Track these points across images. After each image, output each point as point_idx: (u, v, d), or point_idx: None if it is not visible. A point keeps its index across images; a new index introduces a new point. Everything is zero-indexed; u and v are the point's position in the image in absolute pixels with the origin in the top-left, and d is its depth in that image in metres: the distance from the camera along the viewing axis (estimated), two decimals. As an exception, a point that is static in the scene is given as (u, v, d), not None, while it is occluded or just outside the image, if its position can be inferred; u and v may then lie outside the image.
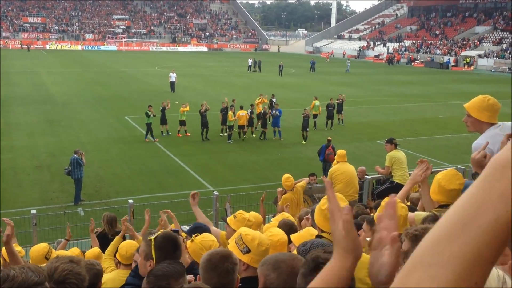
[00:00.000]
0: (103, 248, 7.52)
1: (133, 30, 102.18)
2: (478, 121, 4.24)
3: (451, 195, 4.26)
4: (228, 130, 23.87)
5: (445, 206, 4.28)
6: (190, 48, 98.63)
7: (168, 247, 3.55)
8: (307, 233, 4.38)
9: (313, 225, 5.05)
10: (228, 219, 5.28)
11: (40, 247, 6.37)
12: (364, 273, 3.66)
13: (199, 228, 5.09)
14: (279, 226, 5.26)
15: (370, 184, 11.57)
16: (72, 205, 15.19)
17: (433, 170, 5.33)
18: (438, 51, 79.22)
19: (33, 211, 11.21)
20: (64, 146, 21.76)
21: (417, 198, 5.80)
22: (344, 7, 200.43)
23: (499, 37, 76.68)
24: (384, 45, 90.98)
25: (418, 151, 21.93)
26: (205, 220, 5.99)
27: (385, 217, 1.40)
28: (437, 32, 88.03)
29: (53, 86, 40.93)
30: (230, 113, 23.61)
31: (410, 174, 11.02)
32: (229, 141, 23.61)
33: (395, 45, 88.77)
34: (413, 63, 77.71)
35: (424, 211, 4.59)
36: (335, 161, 11.72)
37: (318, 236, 3.90)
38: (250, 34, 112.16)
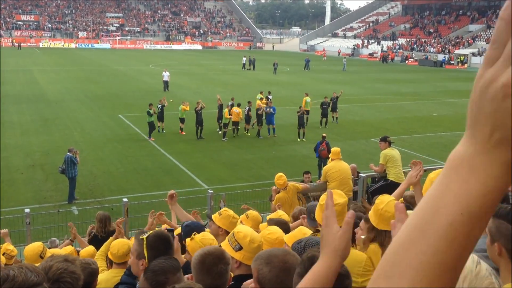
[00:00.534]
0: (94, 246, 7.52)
1: (127, 28, 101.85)
2: None
3: None
4: (223, 128, 23.88)
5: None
6: (184, 46, 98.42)
7: (160, 246, 3.53)
8: (299, 233, 4.39)
9: (309, 223, 5.06)
10: (213, 216, 5.29)
11: (35, 246, 6.36)
12: (356, 271, 3.68)
13: (189, 226, 5.10)
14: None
15: (365, 182, 11.59)
16: (66, 204, 15.14)
17: (426, 168, 5.35)
18: (432, 49, 79.47)
19: (27, 210, 11.14)
20: (58, 144, 21.67)
21: (411, 196, 5.83)
22: (338, 5, 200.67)
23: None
24: (378, 43, 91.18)
25: (412, 149, 22.00)
26: (186, 217, 5.99)
27: (398, 222, 1.40)
28: (431, 30, 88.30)
29: (46, 85, 40.75)
30: (225, 110, 23.63)
31: (404, 172, 11.09)
32: (223, 139, 23.62)
33: (389, 43, 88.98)
34: (407, 61, 77.92)
35: None
36: (330, 159, 11.72)
37: (317, 231, 3.92)
38: (244, 32, 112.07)
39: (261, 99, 26.97)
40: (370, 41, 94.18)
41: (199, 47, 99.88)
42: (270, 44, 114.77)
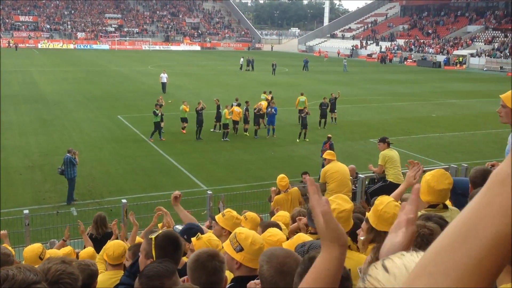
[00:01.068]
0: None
1: (125, 29, 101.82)
2: None
3: (441, 195, 4.29)
4: (224, 128, 23.92)
5: (434, 206, 4.32)
6: (183, 47, 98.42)
7: (168, 246, 3.55)
8: (297, 241, 4.39)
9: (310, 224, 5.06)
10: (216, 216, 5.29)
11: (34, 247, 6.35)
12: (357, 273, 3.68)
13: (192, 229, 5.09)
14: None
15: (363, 183, 11.60)
16: (65, 205, 15.12)
17: (425, 169, 5.36)
18: (430, 50, 79.57)
19: (26, 211, 11.15)
20: (57, 145, 21.67)
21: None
22: (336, 6, 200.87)
23: (491, 36, 77.13)
24: (377, 44, 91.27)
25: (411, 150, 22.02)
26: (188, 217, 5.99)
27: (407, 203, 1.49)
28: (429, 31, 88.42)
29: (45, 85, 40.72)
30: (225, 111, 23.70)
31: (403, 173, 11.10)
32: (226, 139, 23.71)
33: (388, 44, 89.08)
34: (405, 62, 78.01)
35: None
36: (326, 160, 11.71)
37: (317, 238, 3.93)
38: (243, 33, 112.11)
39: (265, 99, 27.15)
40: (369, 42, 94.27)
41: (197, 48, 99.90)
42: (268, 45, 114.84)
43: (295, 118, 29.02)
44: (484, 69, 68.48)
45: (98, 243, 8.18)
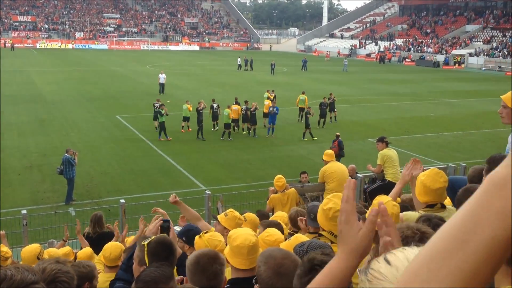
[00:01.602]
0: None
1: (124, 29, 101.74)
2: None
3: (438, 194, 4.29)
4: (226, 128, 23.98)
5: (432, 206, 4.31)
6: (181, 47, 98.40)
7: (162, 252, 3.50)
8: (296, 241, 4.39)
9: (309, 223, 5.05)
10: (219, 216, 5.28)
11: (32, 248, 6.35)
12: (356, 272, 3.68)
13: (191, 231, 5.08)
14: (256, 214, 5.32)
15: (362, 183, 11.60)
16: (63, 205, 15.10)
17: (425, 168, 5.34)
18: (429, 49, 79.62)
19: (24, 212, 11.12)
20: (55, 145, 21.64)
21: (410, 199, 5.85)
22: (335, 6, 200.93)
23: (489, 36, 77.21)
24: (376, 44, 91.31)
25: (409, 149, 22.02)
26: (192, 214, 5.96)
27: (382, 224, 1.43)
28: (428, 31, 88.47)
29: (43, 85, 40.68)
30: (228, 111, 23.83)
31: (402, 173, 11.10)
32: (230, 138, 23.79)
33: (386, 43, 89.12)
34: (404, 62, 78.04)
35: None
36: (324, 161, 11.70)
37: (319, 234, 3.92)
38: (241, 32, 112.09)
39: (268, 98, 27.38)
40: (367, 42, 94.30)
41: (196, 47, 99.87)
42: (267, 44, 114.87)
43: (293, 118, 29.04)
44: (483, 68, 68.53)
45: (94, 242, 8.17)
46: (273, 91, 29.62)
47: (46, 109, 30.49)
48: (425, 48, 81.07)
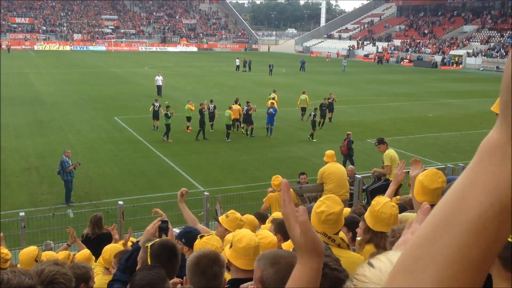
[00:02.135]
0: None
1: (122, 30, 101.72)
2: None
3: (436, 194, 4.29)
4: (227, 129, 24.03)
5: (431, 207, 4.31)
6: (179, 48, 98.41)
7: (163, 255, 3.50)
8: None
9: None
10: (220, 218, 5.27)
11: (30, 250, 6.34)
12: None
13: (190, 233, 5.07)
14: (254, 215, 5.30)
15: (361, 183, 11.59)
16: (61, 207, 15.07)
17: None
18: (427, 50, 79.71)
19: (22, 214, 11.09)
20: (53, 147, 21.60)
21: (409, 199, 5.86)
22: (333, 7, 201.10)
23: (487, 36, 77.33)
24: (374, 45, 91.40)
25: (408, 150, 22.04)
26: (191, 217, 5.97)
27: (415, 221, 1.41)
28: (426, 31, 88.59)
29: (41, 87, 40.63)
30: (230, 112, 23.94)
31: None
32: (228, 139, 23.82)
33: (384, 44, 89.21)
34: (402, 62, 78.12)
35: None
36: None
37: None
38: (240, 34, 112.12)
39: (273, 98, 27.77)
40: (365, 42, 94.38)
41: (194, 49, 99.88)
42: (265, 45, 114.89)
43: (292, 119, 29.08)
44: (481, 69, 68.63)
45: (92, 243, 8.15)
46: (275, 91, 29.89)
47: (44, 110, 30.45)
48: (423, 48, 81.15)
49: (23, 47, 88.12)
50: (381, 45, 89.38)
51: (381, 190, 9.12)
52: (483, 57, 71.29)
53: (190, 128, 25.02)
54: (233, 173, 19.09)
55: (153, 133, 24.92)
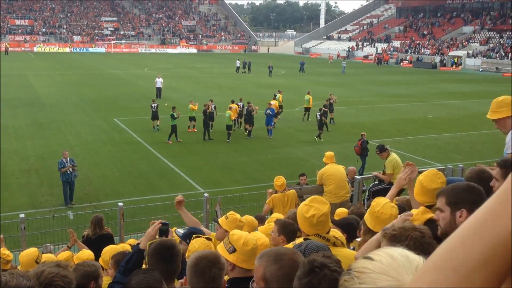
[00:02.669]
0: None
1: (121, 32, 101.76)
2: (502, 120, 4.66)
3: (434, 194, 4.29)
4: (228, 129, 24.09)
5: (430, 207, 4.31)
6: (179, 50, 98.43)
7: (159, 255, 3.53)
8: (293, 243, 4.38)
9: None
10: (219, 220, 5.26)
11: (30, 252, 6.34)
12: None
13: (194, 234, 5.07)
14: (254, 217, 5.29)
15: (360, 184, 11.59)
16: (61, 209, 15.08)
17: (421, 170, 5.36)
18: (427, 51, 79.75)
19: (22, 215, 11.09)
20: (53, 149, 21.60)
21: (408, 200, 5.86)
22: (332, 8, 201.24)
23: (486, 37, 77.40)
24: (373, 46, 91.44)
25: (407, 151, 22.05)
26: (192, 220, 5.95)
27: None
28: (425, 32, 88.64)
29: (41, 89, 40.64)
30: (230, 113, 24.06)
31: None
32: (228, 140, 23.92)
33: (384, 45, 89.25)
34: (401, 63, 78.16)
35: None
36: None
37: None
38: (239, 35, 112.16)
39: (276, 98, 28.49)
40: (365, 44, 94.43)
41: (194, 50, 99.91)
42: (265, 47, 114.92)
43: (292, 120, 29.11)
44: (480, 70, 68.67)
45: (93, 244, 8.15)
46: (279, 92, 30.63)
47: (44, 112, 30.46)
48: (422, 49, 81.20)
49: (23, 49, 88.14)
50: (380, 46, 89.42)
51: (383, 193, 9.11)
52: (482, 58, 71.32)
53: (195, 129, 25.24)
54: (232, 174, 19.09)
55: (153, 134, 24.94)
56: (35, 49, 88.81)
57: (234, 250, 3.41)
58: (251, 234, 4.65)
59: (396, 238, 3.01)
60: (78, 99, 35.98)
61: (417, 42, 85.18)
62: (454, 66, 71.66)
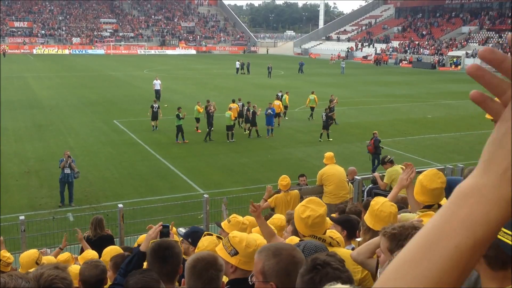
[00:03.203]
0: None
1: (120, 34, 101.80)
2: None
3: (435, 194, 4.30)
4: (228, 130, 24.15)
5: (429, 207, 4.32)
6: (178, 51, 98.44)
7: (155, 254, 3.55)
8: (291, 242, 4.38)
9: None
10: (222, 224, 5.25)
11: (31, 253, 6.35)
12: (351, 269, 3.69)
13: (196, 233, 5.07)
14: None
15: (360, 185, 11.59)
16: (61, 211, 15.07)
17: (419, 170, 5.37)
18: (426, 51, 79.79)
19: (22, 217, 11.09)
20: (53, 151, 21.59)
21: (403, 198, 5.87)
22: (331, 9, 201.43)
23: (485, 37, 77.45)
24: (372, 46, 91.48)
25: (407, 151, 22.06)
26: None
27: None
28: (424, 33, 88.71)
29: (40, 91, 40.63)
30: (230, 113, 24.09)
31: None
32: (232, 139, 24.03)
33: (383, 45, 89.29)
34: (400, 64, 78.17)
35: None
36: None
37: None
38: (238, 36, 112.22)
39: (280, 97, 29.27)
40: (364, 44, 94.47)
41: (193, 51, 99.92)
42: (264, 48, 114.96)
43: (291, 120, 29.12)
44: (479, 69, 68.63)
45: (94, 245, 8.14)
46: (280, 91, 31.04)
47: (43, 114, 30.44)
48: (421, 50, 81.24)
49: (22, 51, 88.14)
50: (379, 46, 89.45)
51: (383, 194, 9.11)
52: (481, 57, 71.27)
53: (200, 130, 25.37)
54: (232, 175, 19.08)
55: (152, 136, 24.93)
56: (34, 51, 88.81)
57: (236, 253, 3.39)
58: (251, 235, 4.65)
59: (396, 236, 3.02)
60: (78, 101, 35.97)
61: (416, 42, 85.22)
62: (453, 66, 71.69)
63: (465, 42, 78.39)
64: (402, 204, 5.70)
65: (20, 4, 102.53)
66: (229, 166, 20.19)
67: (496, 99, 0.93)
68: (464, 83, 51.45)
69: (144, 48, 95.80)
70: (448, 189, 4.58)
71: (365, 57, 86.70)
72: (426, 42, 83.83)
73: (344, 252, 4.03)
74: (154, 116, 25.88)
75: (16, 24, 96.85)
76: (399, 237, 3.00)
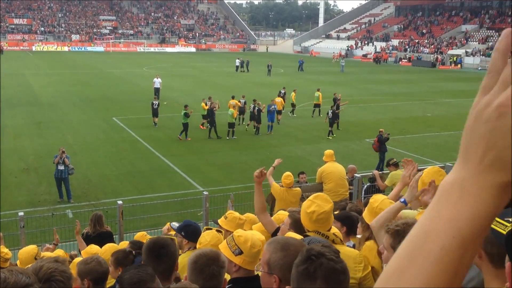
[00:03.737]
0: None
1: (120, 31, 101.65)
2: None
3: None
4: (230, 127, 24.17)
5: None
6: (178, 49, 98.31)
7: (149, 251, 3.57)
8: None
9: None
10: (219, 220, 5.26)
11: (30, 248, 6.36)
12: (352, 267, 3.68)
13: (190, 226, 5.07)
14: None
15: (360, 183, 11.60)
16: (60, 207, 15.07)
17: (420, 168, 5.36)
18: (425, 50, 79.77)
19: (21, 214, 11.09)
20: (52, 148, 21.53)
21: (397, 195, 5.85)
22: (331, 7, 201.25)
23: (485, 35, 77.43)
24: (372, 44, 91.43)
25: (407, 149, 22.06)
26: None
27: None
28: (424, 31, 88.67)
29: (39, 88, 40.58)
30: (233, 111, 24.18)
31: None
32: (233, 137, 24.14)
33: (383, 44, 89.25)
34: (400, 62, 78.13)
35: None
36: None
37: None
38: (238, 34, 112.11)
39: (283, 94, 29.65)
40: (364, 42, 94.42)
41: (193, 49, 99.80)
42: (264, 46, 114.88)
43: (290, 118, 29.12)
44: (479, 68, 68.69)
45: (93, 241, 8.13)
46: (283, 88, 31.58)
47: (42, 111, 30.42)
48: (421, 48, 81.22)
49: (21, 48, 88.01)
50: (379, 45, 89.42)
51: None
52: (481, 56, 71.35)
53: (204, 127, 25.47)
54: (232, 173, 19.08)
55: (151, 133, 24.92)
56: (34, 48, 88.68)
57: (240, 252, 3.36)
58: (253, 233, 4.64)
59: (399, 233, 3.01)
60: (77, 98, 35.93)
61: (416, 40, 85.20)
62: (453, 65, 71.68)
63: (465, 41, 78.36)
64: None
65: (19, 1, 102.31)
66: (228, 164, 20.19)
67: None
68: (464, 82, 51.46)
69: (144, 46, 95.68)
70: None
71: (365, 56, 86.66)
72: (426, 41, 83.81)
73: (346, 250, 4.02)
74: (155, 113, 26.07)
75: (16, 21, 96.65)
76: (402, 234, 3.00)
